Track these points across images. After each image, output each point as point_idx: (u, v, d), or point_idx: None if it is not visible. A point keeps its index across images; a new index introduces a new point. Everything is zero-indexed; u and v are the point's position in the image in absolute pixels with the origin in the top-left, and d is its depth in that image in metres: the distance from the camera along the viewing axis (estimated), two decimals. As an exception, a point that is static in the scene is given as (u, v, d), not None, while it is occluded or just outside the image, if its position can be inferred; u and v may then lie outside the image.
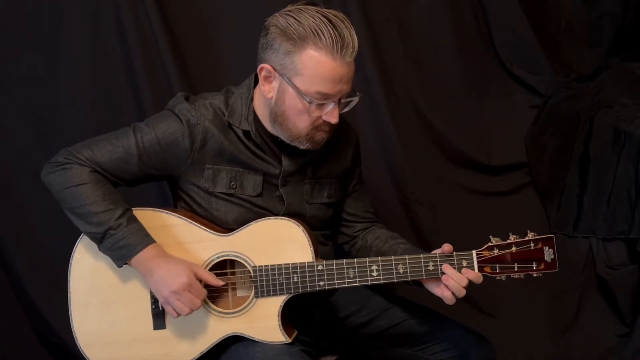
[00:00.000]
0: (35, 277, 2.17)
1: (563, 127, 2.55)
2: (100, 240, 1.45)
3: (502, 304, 2.50)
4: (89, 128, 2.11)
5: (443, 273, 1.45)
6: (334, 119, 1.44)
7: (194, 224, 1.51)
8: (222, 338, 1.50)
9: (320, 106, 1.43)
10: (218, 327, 1.50)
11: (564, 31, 2.83)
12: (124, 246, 1.43)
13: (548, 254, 1.44)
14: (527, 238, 1.44)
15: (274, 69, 1.43)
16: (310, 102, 1.41)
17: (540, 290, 2.48)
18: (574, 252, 2.43)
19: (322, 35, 1.36)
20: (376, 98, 2.38)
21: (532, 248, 1.44)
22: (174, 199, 1.63)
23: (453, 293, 1.44)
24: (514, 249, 1.44)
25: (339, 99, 1.43)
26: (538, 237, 1.44)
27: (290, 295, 1.48)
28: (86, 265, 1.52)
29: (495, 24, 2.67)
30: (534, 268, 1.44)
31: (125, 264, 1.46)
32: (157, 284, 1.44)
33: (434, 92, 2.57)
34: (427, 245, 2.41)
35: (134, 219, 1.47)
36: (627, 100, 2.48)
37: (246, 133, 1.52)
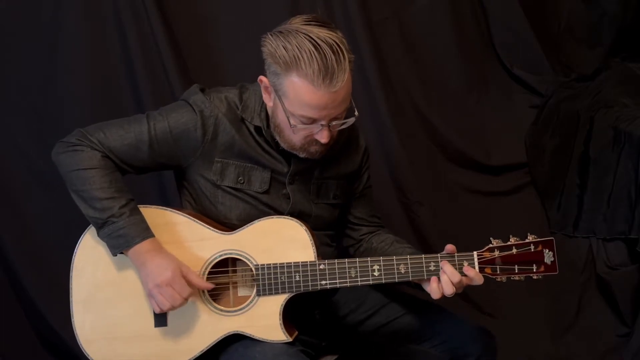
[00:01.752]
0: (35, 277, 2.17)
1: (563, 127, 2.55)
2: (100, 226, 1.45)
3: (502, 304, 2.49)
4: (89, 128, 2.11)
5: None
6: (323, 139, 1.43)
7: (196, 222, 1.51)
8: (224, 336, 1.49)
9: (306, 128, 1.43)
10: (219, 325, 1.49)
11: (564, 31, 2.84)
12: (122, 235, 1.44)
13: (548, 256, 1.45)
14: (527, 240, 1.45)
15: (269, 83, 1.44)
16: (293, 126, 1.41)
17: (541, 290, 2.48)
18: (574, 252, 2.43)
19: (305, 66, 1.34)
20: (376, 98, 2.38)
21: (532, 250, 1.45)
22: (179, 190, 1.63)
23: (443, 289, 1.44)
24: (514, 250, 1.45)
25: (329, 122, 1.42)
26: (538, 239, 1.45)
27: (292, 295, 1.48)
28: (88, 262, 1.52)
29: (495, 24, 2.68)
30: (534, 270, 1.45)
31: (121, 253, 1.47)
32: (146, 277, 1.45)
33: (434, 92, 2.57)
34: (427, 246, 2.42)
35: (137, 211, 1.47)
36: (627, 100, 2.47)
37: (257, 129, 1.53)
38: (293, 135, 1.45)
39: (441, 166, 2.57)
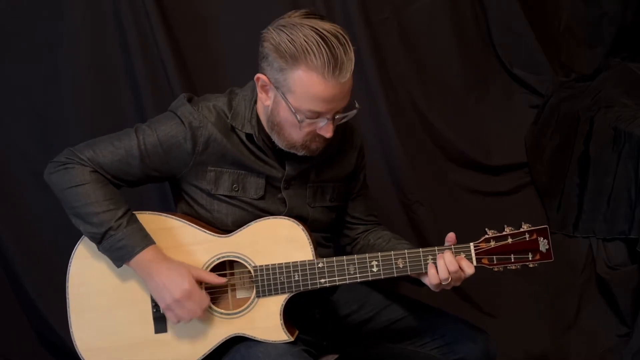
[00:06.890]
0: (35, 277, 2.17)
1: (563, 127, 2.55)
2: (99, 240, 1.44)
3: (502, 304, 2.49)
4: (89, 128, 2.12)
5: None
6: (327, 134, 1.43)
7: (192, 226, 1.51)
8: (225, 339, 1.49)
9: (313, 122, 1.42)
10: (220, 328, 1.49)
11: (564, 31, 2.83)
12: (123, 247, 1.43)
13: (543, 244, 1.47)
14: (522, 229, 1.47)
15: (269, 81, 1.41)
16: (300, 121, 1.40)
17: (540, 290, 2.48)
18: (574, 252, 2.43)
19: (313, 57, 1.32)
20: (376, 98, 2.38)
21: (527, 239, 1.47)
22: (175, 199, 1.63)
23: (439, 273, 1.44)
24: (510, 240, 1.46)
25: (334, 115, 1.42)
26: (533, 228, 1.47)
27: (292, 294, 1.48)
28: (84, 271, 1.51)
29: (495, 24, 2.67)
30: (530, 259, 1.47)
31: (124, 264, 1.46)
32: (159, 290, 1.44)
33: (434, 92, 2.57)
34: (427, 246, 2.39)
35: (134, 220, 1.47)
36: (627, 100, 2.47)
37: (249, 136, 1.51)
38: (295, 132, 1.44)
39: (441, 166, 2.57)
